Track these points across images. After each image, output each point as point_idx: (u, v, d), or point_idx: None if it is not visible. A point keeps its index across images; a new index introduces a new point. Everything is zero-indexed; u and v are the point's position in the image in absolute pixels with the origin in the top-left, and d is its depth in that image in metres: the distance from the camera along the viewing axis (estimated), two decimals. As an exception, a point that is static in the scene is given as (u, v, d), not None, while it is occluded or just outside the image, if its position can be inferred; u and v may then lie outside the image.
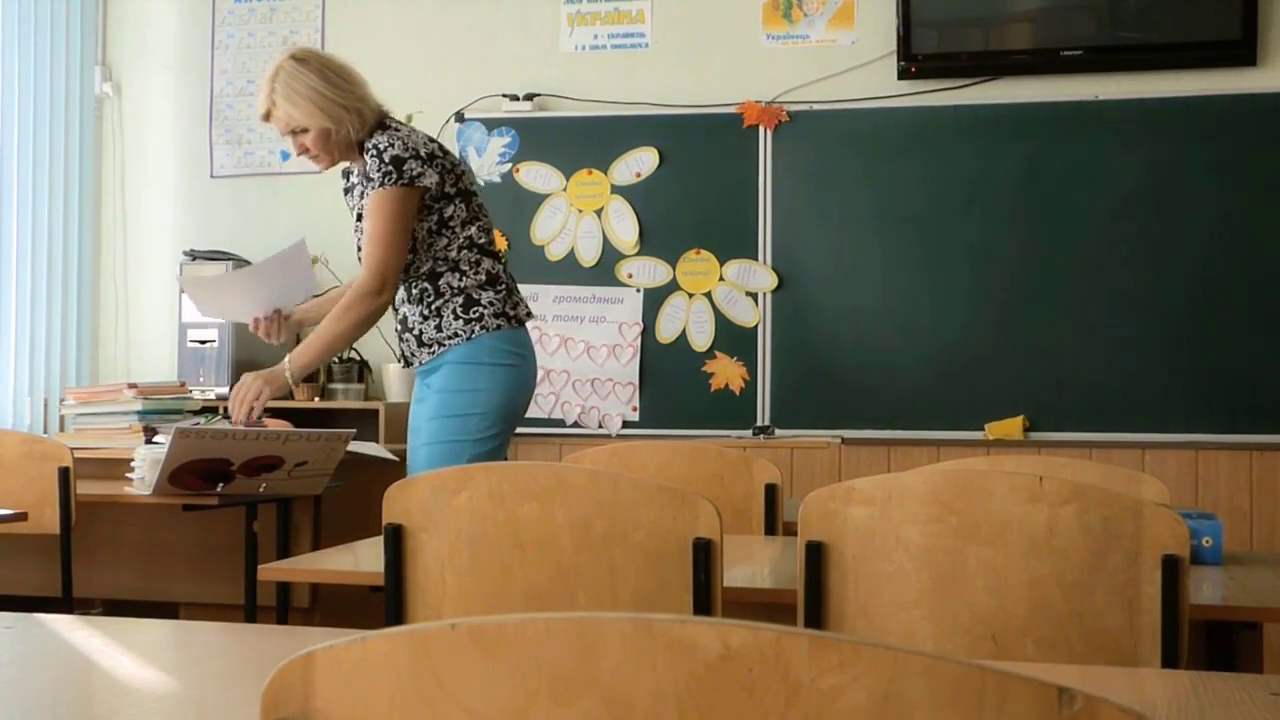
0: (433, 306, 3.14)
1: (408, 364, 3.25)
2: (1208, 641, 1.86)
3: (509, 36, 4.91)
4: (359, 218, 3.19)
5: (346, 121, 3.08)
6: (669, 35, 4.81)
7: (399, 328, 3.24)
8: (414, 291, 3.17)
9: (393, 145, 3.06)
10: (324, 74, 3.08)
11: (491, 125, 4.80)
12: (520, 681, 0.69)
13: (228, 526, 3.53)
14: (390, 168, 3.04)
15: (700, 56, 4.77)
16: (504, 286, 3.18)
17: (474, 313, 3.12)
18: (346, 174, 3.32)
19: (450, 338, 3.12)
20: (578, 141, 4.75)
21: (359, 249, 3.18)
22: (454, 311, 3.12)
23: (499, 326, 3.13)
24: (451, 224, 3.13)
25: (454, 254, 3.13)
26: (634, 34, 4.83)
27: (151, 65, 5.25)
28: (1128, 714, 0.62)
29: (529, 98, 4.81)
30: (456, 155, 3.24)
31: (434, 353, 3.14)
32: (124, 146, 5.25)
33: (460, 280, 3.14)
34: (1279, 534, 4.23)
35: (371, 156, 3.07)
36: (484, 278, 3.16)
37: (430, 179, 3.07)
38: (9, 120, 4.77)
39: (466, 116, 4.81)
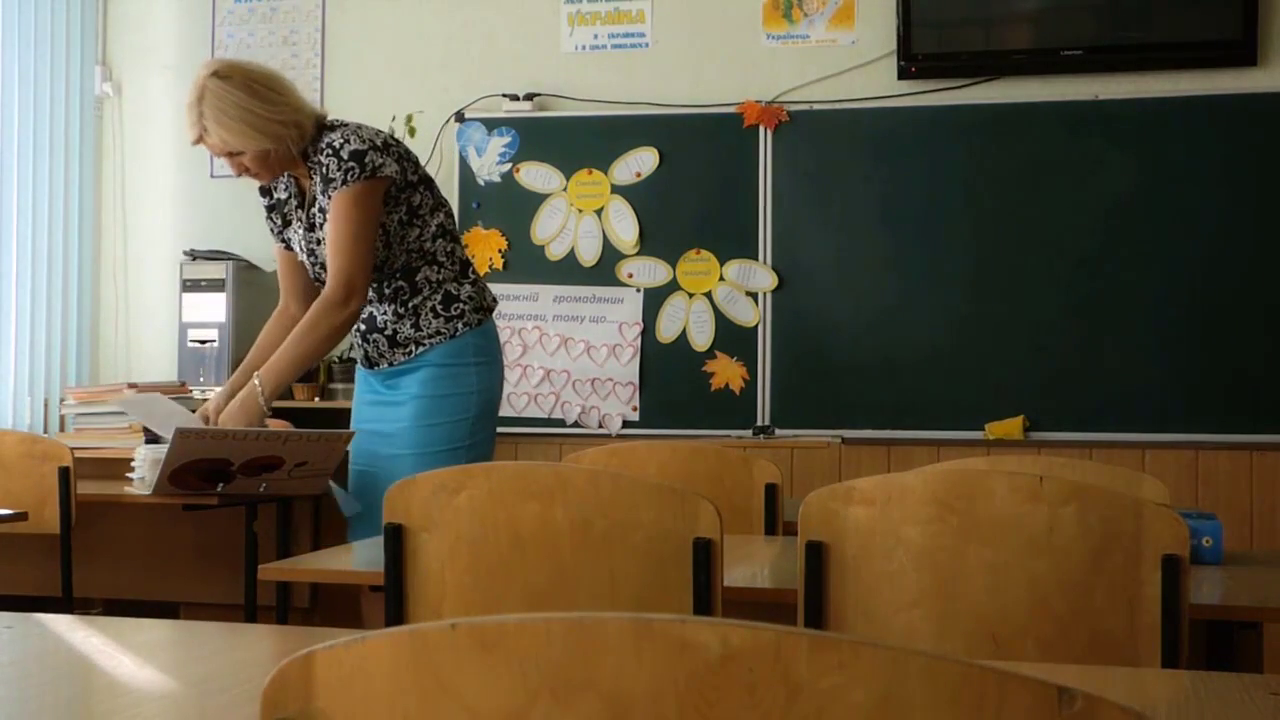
0: (409, 305, 3.01)
1: (371, 365, 3.09)
2: (1208, 641, 1.86)
3: (509, 36, 4.91)
4: (310, 227, 3.05)
5: (286, 138, 2.92)
6: (669, 35, 4.81)
7: (362, 328, 3.08)
8: (387, 290, 3.02)
9: (348, 141, 2.91)
10: (252, 89, 2.90)
11: (491, 125, 4.80)
12: (520, 681, 0.69)
13: (228, 526, 3.53)
14: (351, 164, 2.89)
15: (700, 56, 4.77)
16: (474, 274, 3.10)
17: (455, 309, 3.01)
18: (267, 190, 3.15)
19: (431, 336, 3.00)
20: (578, 141, 4.75)
21: (313, 263, 3.06)
22: (433, 309, 3.01)
23: (480, 322, 3.04)
24: (421, 212, 3.01)
25: (428, 244, 3.02)
26: (634, 34, 4.83)
27: (151, 65, 5.25)
28: (1128, 714, 0.62)
29: (529, 98, 4.81)
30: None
31: (410, 353, 3.01)
32: (124, 146, 5.25)
33: (438, 273, 3.02)
34: (1279, 534, 4.23)
35: (327, 156, 2.92)
36: (459, 267, 3.07)
37: (391, 168, 2.93)
38: (9, 120, 4.77)
39: (466, 116, 4.81)
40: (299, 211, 3.08)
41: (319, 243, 3.03)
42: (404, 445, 3.01)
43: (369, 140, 2.94)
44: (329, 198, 2.93)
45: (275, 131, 2.91)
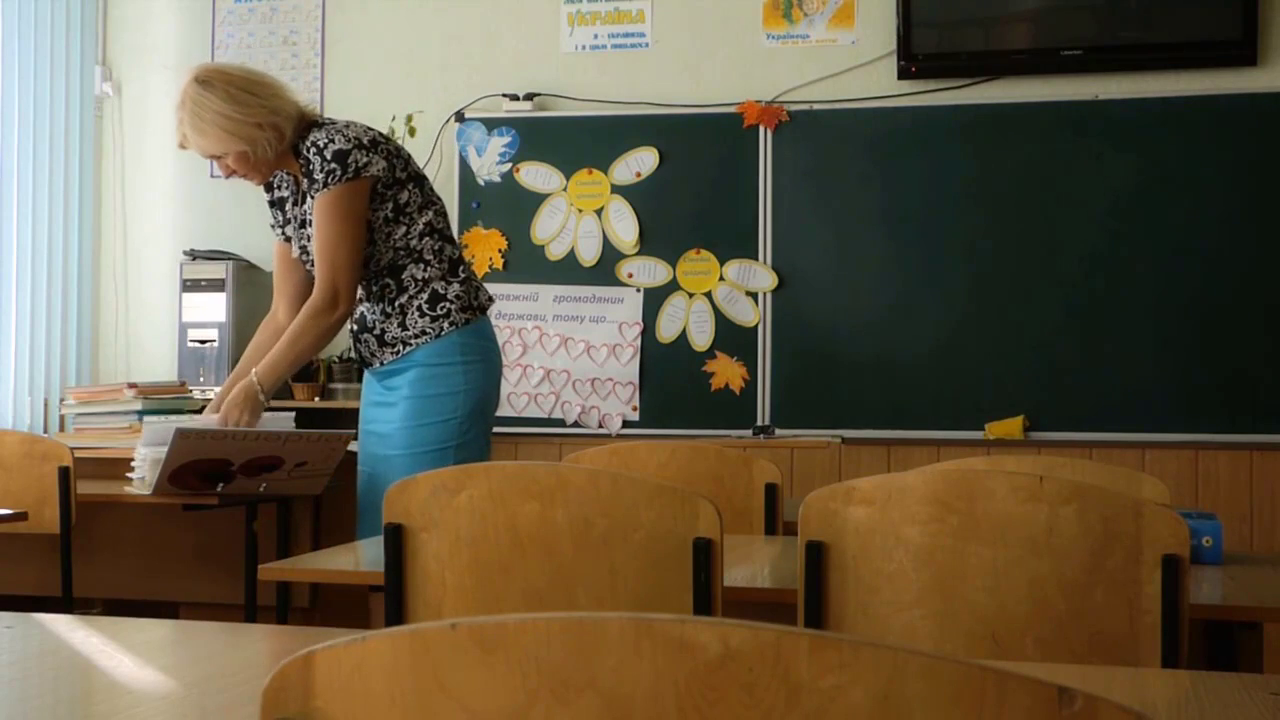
0: (396, 304, 3.01)
1: (366, 365, 3.11)
2: (1208, 641, 1.86)
3: (509, 36, 4.91)
4: (302, 224, 3.06)
5: (261, 140, 2.93)
6: (669, 35, 4.81)
7: (354, 327, 3.11)
8: (374, 288, 3.03)
9: (333, 140, 2.92)
10: (229, 94, 2.92)
11: (491, 125, 4.80)
12: (520, 681, 0.69)
13: (228, 526, 3.53)
14: (334, 165, 2.91)
15: (700, 56, 4.77)
16: (465, 273, 3.09)
17: (440, 309, 3.01)
18: (269, 187, 3.17)
19: (416, 336, 3.00)
20: (578, 141, 4.75)
21: (305, 260, 3.09)
22: (419, 309, 3.01)
23: (467, 321, 3.03)
24: (409, 210, 3.00)
25: (415, 242, 3.01)
26: (634, 34, 4.83)
27: (151, 65, 5.25)
28: (1128, 714, 0.62)
29: (529, 98, 4.81)
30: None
31: (398, 352, 3.02)
32: (124, 146, 5.25)
33: (424, 271, 3.01)
34: (1279, 534, 4.23)
35: (313, 154, 2.93)
36: (447, 266, 3.05)
37: (378, 165, 2.93)
38: (9, 120, 4.77)
39: (466, 116, 4.82)
40: (294, 209, 3.10)
41: (309, 239, 3.04)
42: (396, 446, 3.03)
43: (354, 139, 2.94)
44: (313, 198, 2.95)
45: (249, 135, 2.92)
